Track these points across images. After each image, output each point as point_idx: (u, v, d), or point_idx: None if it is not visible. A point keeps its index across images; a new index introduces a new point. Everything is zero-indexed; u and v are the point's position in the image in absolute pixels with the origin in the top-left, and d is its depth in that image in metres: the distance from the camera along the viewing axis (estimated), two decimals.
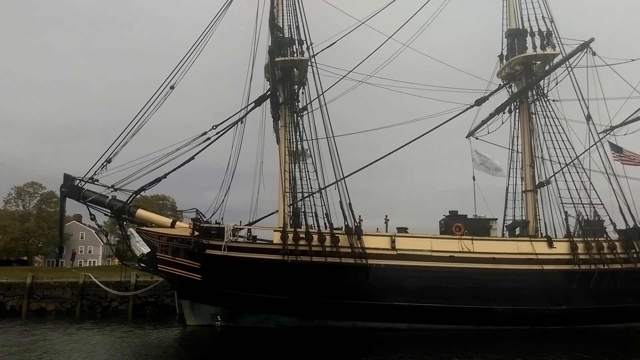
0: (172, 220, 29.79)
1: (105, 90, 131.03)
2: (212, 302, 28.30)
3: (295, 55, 30.72)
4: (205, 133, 29.06)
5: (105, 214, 29.44)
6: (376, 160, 29.75)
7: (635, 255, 28.33)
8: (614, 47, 34.57)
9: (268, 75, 30.85)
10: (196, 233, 27.66)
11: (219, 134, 29.16)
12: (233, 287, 27.31)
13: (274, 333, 26.56)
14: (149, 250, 28.33)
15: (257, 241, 28.91)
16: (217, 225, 28.05)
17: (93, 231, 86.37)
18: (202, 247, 27.33)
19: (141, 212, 29.00)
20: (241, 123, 29.82)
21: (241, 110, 29.91)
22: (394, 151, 29.73)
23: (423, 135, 29.66)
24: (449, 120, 29.57)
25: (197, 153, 28.83)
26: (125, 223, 29.11)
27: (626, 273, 27.87)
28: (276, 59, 30.03)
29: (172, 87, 29.17)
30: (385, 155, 29.77)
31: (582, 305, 27.76)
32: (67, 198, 28.68)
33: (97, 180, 28.30)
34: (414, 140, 29.70)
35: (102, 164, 28.19)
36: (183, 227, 28.57)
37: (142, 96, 35.68)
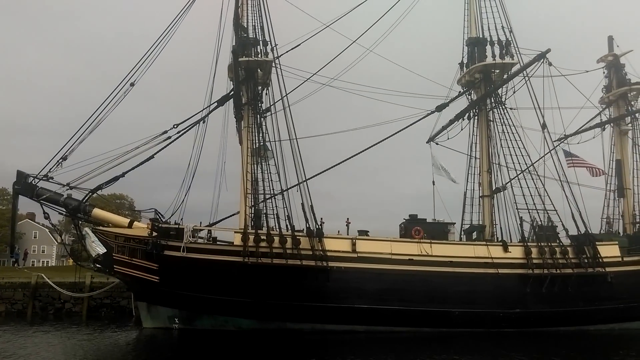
0: (129, 220, 29.16)
1: (62, 85, 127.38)
2: (170, 304, 27.83)
3: (259, 56, 30.54)
4: (166, 132, 28.60)
5: (59, 213, 28.56)
6: (339, 163, 30.04)
7: (586, 261, 29.33)
8: (569, 58, 35.93)
9: (231, 75, 30.58)
10: (154, 234, 27.18)
11: (180, 133, 28.75)
12: (192, 289, 26.93)
13: (232, 336, 26.34)
14: (105, 250, 27.58)
15: (218, 242, 28.64)
16: (177, 226, 27.62)
17: (47, 230, 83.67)
18: (160, 248, 26.85)
19: (97, 212, 28.27)
20: (203, 123, 29.51)
21: (203, 109, 29.62)
22: (356, 154, 30.11)
23: (384, 139, 30.06)
24: (410, 125, 30.11)
25: (157, 152, 28.34)
26: (80, 222, 28.30)
27: (577, 277, 28.85)
28: (240, 59, 29.81)
29: (132, 84, 28.59)
30: (348, 159, 30.12)
31: (535, 309, 28.60)
32: (19, 196, 27.65)
33: (52, 178, 27.46)
34: (376, 144, 30.15)
35: (58, 161, 27.37)
36: (141, 228, 28.03)
37: (101, 92, 34.79)
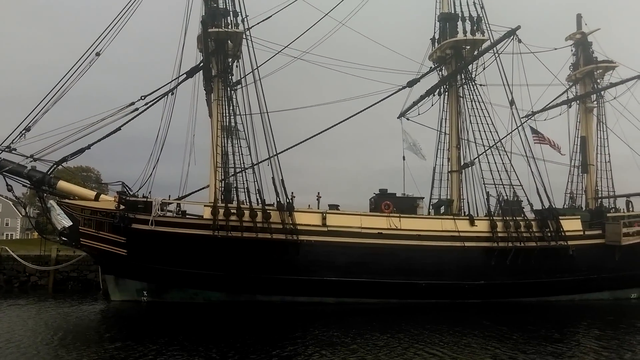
0: (96, 193, 28.67)
1: (25, 54, 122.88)
2: (138, 278, 27.72)
3: (229, 27, 29.93)
4: (133, 103, 28.03)
5: (23, 185, 27.84)
6: (309, 138, 29.96)
7: (549, 234, 30.19)
8: (539, 35, 36.22)
9: (201, 46, 29.97)
10: (122, 207, 26.87)
11: (147, 105, 28.19)
12: (160, 263, 26.85)
13: (202, 308, 26.42)
14: (71, 223, 27.13)
15: (187, 216, 28.49)
16: (145, 199, 27.34)
17: (10, 203, 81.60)
18: (128, 221, 26.59)
19: (63, 184, 27.69)
20: (172, 94, 28.98)
21: (172, 81, 29.06)
22: (327, 129, 30.08)
23: (355, 114, 30.09)
24: (381, 100, 30.10)
25: (124, 124, 27.79)
26: (45, 195, 27.73)
27: (540, 251, 29.72)
28: (209, 30, 29.18)
29: (98, 54, 27.72)
30: (318, 133, 30.08)
31: (500, 280, 29.45)
32: None
33: (15, 150, 26.63)
34: (347, 119, 30.15)
35: (21, 132, 26.52)
36: (108, 201, 27.62)
37: (66, 62, 33.69)
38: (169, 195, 28.89)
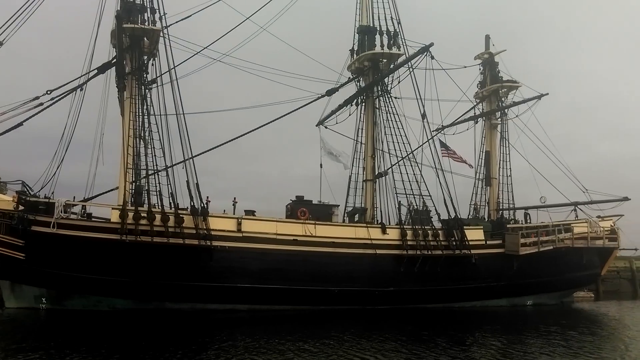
0: None
1: None
2: (37, 283, 25.94)
3: (146, 23, 28.92)
4: (37, 98, 26.33)
5: None
6: (227, 142, 29.54)
7: (454, 243, 31.65)
8: (451, 53, 38.05)
9: (115, 42, 28.66)
10: (21, 207, 25.11)
11: (53, 100, 26.60)
12: (62, 268, 25.29)
13: (106, 316, 25.18)
14: None
15: (93, 219, 27.08)
16: (47, 200, 25.71)
17: None
18: (27, 223, 24.85)
19: None
20: (80, 90, 27.51)
21: (82, 76, 27.61)
22: (246, 134, 29.84)
23: (273, 121, 30.03)
24: (300, 108, 30.31)
25: (27, 119, 26.06)
26: None
27: (446, 259, 31.05)
28: (124, 25, 27.99)
29: (0, 43, 25.86)
30: (236, 138, 29.72)
31: (408, 287, 30.51)
32: None
33: None
34: (265, 125, 30.01)
35: None
36: (5, 200, 25.69)
37: None
38: (74, 197, 27.37)
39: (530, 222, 37.94)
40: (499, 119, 41.41)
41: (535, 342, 20.37)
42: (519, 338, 21.55)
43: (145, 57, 29.69)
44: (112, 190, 29.62)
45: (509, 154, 40.87)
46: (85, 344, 18.46)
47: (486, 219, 39.22)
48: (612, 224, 38.46)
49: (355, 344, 19.21)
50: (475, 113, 41.24)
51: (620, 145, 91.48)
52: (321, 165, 35.11)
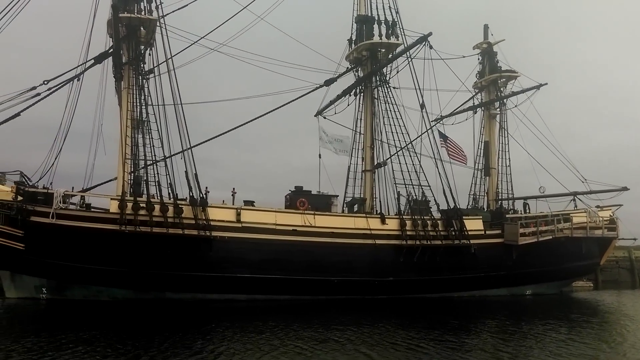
0: None
1: None
2: (37, 274, 25.99)
3: (142, 13, 28.73)
4: (34, 88, 26.18)
5: None
6: (225, 132, 29.37)
7: (453, 233, 31.69)
8: (450, 42, 37.92)
9: (111, 31, 28.47)
10: (20, 198, 25.06)
11: (50, 91, 26.44)
12: (62, 258, 25.31)
13: (107, 306, 25.21)
14: None
15: (92, 209, 27.04)
16: (45, 191, 25.67)
17: None
18: (26, 213, 24.83)
19: None
20: (78, 80, 27.36)
21: (79, 66, 27.41)
22: (244, 124, 29.54)
23: (271, 111, 29.89)
24: (298, 98, 30.09)
25: (24, 109, 25.87)
26: None
27: (445, 249, 31.11)
28: (121, 15, 27.77)
29: None
30: (235, 128, 29.52)
31: (407, 277, 30.56)
32: None
33: None
34: (263, 115, 29.82)
35: None
36: (4, 191, 25.64)
37: None
38: (73, 187, 27.31)
39: (529, 212, 37.94)
40: (498, 109, 41.27)
41: (532, 330, 20.49)
42: (517, 326, 21.66)
43: (142, 46, 29.57)
44: (110, 180, 29.65)
45: (508, 144, 40.78)
46: (86, 330, 18.46)
47: (485, 209, 39.22)
48: (611, 214, 38.50)
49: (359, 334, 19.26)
50: (474, 103, 41.09)
51: (620, 134, 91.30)
52: (320, 155, 35.11)
